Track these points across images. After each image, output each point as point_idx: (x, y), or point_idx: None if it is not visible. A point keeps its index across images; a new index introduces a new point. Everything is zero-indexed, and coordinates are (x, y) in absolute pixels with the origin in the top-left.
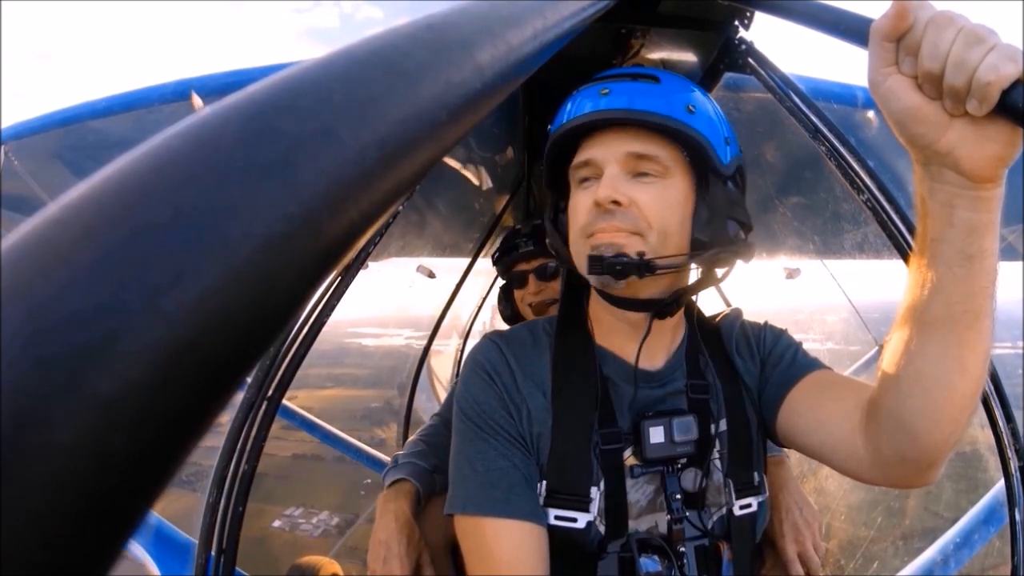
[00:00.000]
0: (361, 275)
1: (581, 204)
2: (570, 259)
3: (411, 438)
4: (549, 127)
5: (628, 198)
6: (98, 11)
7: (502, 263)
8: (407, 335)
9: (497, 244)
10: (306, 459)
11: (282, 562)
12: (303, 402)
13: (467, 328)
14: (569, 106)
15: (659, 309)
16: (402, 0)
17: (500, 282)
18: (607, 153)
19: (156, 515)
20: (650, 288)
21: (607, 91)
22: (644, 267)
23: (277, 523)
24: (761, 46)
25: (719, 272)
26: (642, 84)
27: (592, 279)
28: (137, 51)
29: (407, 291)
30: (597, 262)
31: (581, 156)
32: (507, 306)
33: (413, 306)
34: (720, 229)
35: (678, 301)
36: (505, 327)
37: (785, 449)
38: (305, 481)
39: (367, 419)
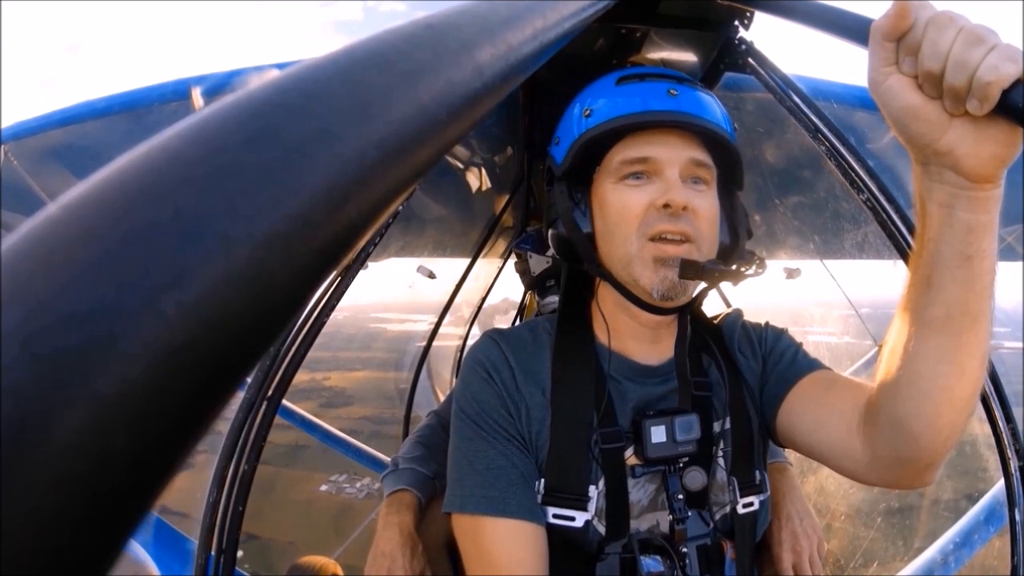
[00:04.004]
0: (373, 268)
1: (635, 201)
2: (594, 257)
3: (409, 438)
4: (587, 112)
5: (691, 205)
6: (129, 5)
7: None
8: (430, 320)
9: (511, 241)
10: (344, 432)
11: (332, 521)
12: (336, 383)
13: (467, 330)
14: (621, 97)
15: (686, 309)
16: None
17: (498, 282)
18: (671, 154)
19: (156, 515)
20: (690, 292)
21: (676, 92)
22: (736, 275)
23: (324, 487)
24: (761, 46)
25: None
26: (702, 93)
27: (659, 286)
28: (165, 43)
29: (425, 280)
30: (691, 267)
31: (635, 151)
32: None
33: (432, 293)
34: (742, 239)
35: (698, 300)
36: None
37: (787, 453)
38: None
39: (398, 398)
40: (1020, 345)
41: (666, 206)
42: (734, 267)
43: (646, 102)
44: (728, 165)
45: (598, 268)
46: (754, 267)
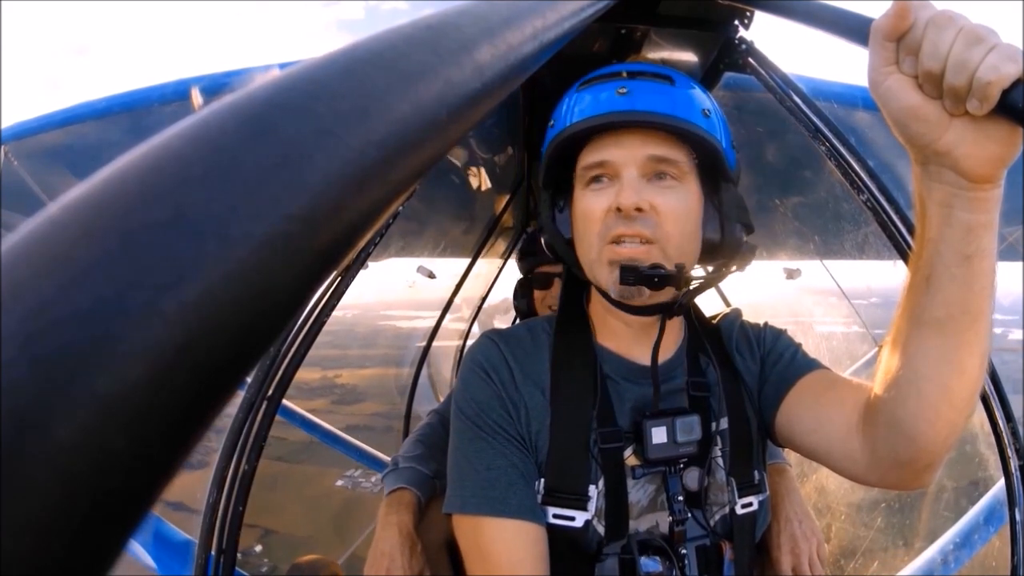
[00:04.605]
0: (374, 268)
1: (595, 206)
2: (576, 261)
3: (409, 437)
4: (551, 123)
5: (649, 203)
6: (134, 7)
7: (527, 262)
8: (436, 317)
9: (511, 241)
10: (357, 429)
11: (348, 515)
12: (347, 380)
13: (467, 330)
14: (576, 102)
15: (670, 311)
16: None
17: (500, 280)
18: (626, 155)
19: (156, 515)
20: (665, 293)
21: (625, 90)
22: (679, 279)
23: (340, 482)
24: (761, 46)
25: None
26: (660, 84)
27: (615, 288)
28: (169, 45)
29: (426, 280)
30: (631, 272)
31: (593, 156)
32: (523, 302)
33: (434, 293)
34: (730, 234)
35: (685, 302)
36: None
37: (786, 453)
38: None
39: (405, 395)
40: (1020, 337)
41: (618, 210)
42: (677, 271)
43: (593, 106)
44: (708, 156)
45: (580, 272)
46: (737, 265)
